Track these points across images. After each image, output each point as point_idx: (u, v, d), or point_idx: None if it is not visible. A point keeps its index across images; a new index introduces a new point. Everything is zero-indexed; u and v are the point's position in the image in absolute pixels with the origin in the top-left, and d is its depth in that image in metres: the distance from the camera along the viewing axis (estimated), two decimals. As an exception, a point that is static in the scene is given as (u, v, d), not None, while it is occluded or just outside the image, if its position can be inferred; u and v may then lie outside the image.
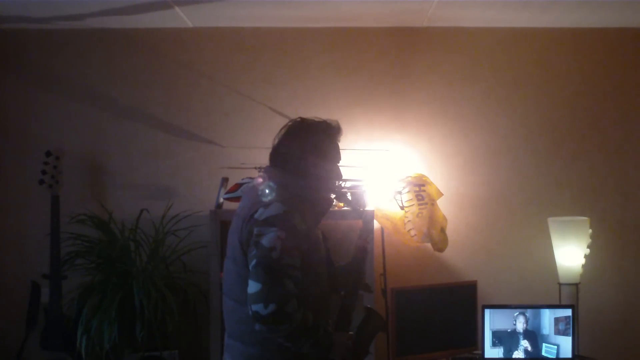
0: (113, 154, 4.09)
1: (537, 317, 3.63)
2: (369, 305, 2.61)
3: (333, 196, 2.60)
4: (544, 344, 3.62)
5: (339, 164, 2.55)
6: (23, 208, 4.06)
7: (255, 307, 2.19)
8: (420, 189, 3.67)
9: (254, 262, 2.23)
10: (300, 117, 2.52)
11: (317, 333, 2.30)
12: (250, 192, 2.46)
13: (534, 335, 3.62)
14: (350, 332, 2.49)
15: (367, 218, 2.69)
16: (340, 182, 2.69)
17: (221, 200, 3.64)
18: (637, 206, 4.13)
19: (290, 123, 2.51)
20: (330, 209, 2.58)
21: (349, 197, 2.76)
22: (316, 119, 2.50)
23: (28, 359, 3.73)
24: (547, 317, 3.63)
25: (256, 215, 2.30)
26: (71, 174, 3.93)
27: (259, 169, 3.61)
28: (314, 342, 2.29)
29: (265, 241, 2.24)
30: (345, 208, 3.65)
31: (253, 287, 2.20)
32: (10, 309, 3.99)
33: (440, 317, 3.66)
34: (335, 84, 4.08)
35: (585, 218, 3.82)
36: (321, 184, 2.48)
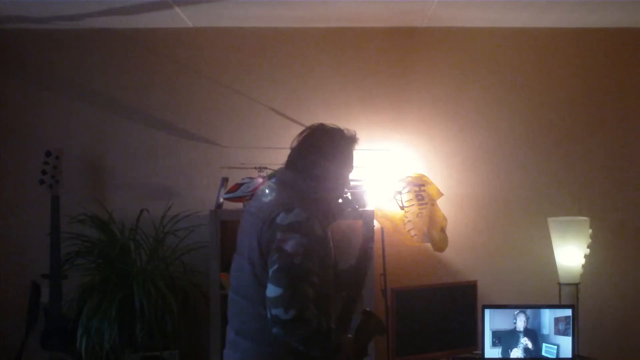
0: (113, 154, 4.10)
1: (537, 317, 3.63)
2: (367, 309, 2.62)
3: (340, 201, 2.63)
4: (544, 344, 3.62)
5: (350, 173, 2.59)
6: (23, 208, 4.06)
7: (275, 312, 2.20)
8: (420, 189, 3.67)
9: (275, 266, 2.25)
10: (321, 123, 2.55)
11: (329, 338, 2.32)
12: (265, 192, 2.50)
13: (534, 334, 3.62)
14: (349, 335, 2.52)
15: (367, 218, 2.70)
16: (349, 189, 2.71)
17: (221, 200, 3.64)
18: (637, 206, 4.13)
19: (310, 126, 2.56)
20: (343, 214, 2.61)
21: (350, 199, 2.77)
22: (336, 126, 2.54)
23: (28, 359, 3.73)
24: (547, 317, 3.63)
25: (278, 220, 2.33)
26: (71, 174, 3.93)
27: (260, 168, 3.62)
28: (326, 346, 2.32)
29: (288, 247, 2.26)
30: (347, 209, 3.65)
31: (274, 291, 2.22)
32: (10, 309, 3.99)
33: (440, 317, 3.66)
34: (335, 84, 4.08)
35: (585, 218, 3.82)
36: (333, 189, 2.52)
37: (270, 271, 2.26)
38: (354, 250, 2.71)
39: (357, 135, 2.56)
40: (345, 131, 2.54)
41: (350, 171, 2.58)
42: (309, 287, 2.24)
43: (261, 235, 2.35)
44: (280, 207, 2.37)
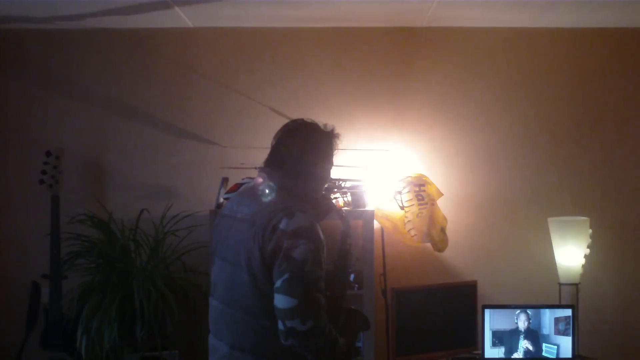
0: (113, 154, 4.10)
1: (537, 317, 3.63)
2: (351, 307, 2.58)
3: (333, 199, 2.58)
4: (544, 344, 3.62)
5: (331, 169, 2.52)
6: (23, 208, 4.06)
7: (291, 323, 2.14)
8: (420, 189, 3.67)
9: (286, 276, 2.17)
10: (300, 118, 2.49)
11: (338, 345, 2.29)
12: (255, 196, 2.39)
13: (534, 334, 3.62)
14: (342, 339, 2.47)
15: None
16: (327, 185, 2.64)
17: (221, 200, 3.64)
18: (637, 206, 4.13)
19: (289, 123, 2.49)
20: (330, 212, 2.53)
21: (344, 198, 2.71)
22: (315, 121, 2.47)
23: (28, 359, 3.73)
24: (547, 317, 3.63)
25: (282, 226, 2.23)
26: (71, 174, 3.93)
27: (260, 169, 3.61)
28: (332, 353, 2.28)
29: (297, 254, 2.18)
30: (346, 208, 3.65)
31: (287, 302, 2.15)
32: (10, 309, 3.99)
33: (440, 317, 3.66)
34: (335, 84, 4.09)
35: (585, 218, 3.82)
36: (319, 184, 2.46)
37: (280, 281, 2.17)
38: (334, 249, 2.60)
39: (336, 131, 2.48)
40: (325, 125, 2.47)
41: (331, 167, 2.50)
42: (320, 294, 2.18)
43: (264, 243, 2.23)
44: (279, 212, 2.26)
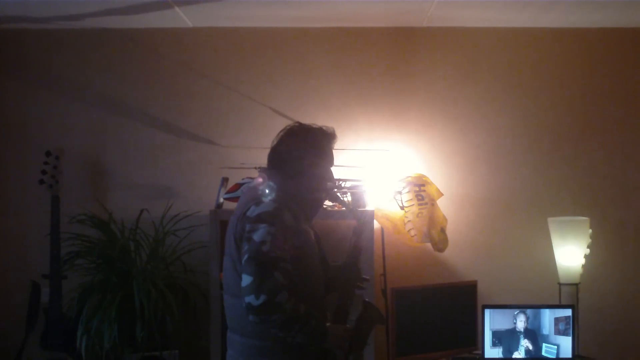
0: (113, 154, 4.10)
1: (537, 317, 3.63)
2: (367, 300, 2.65)
3: (324, 196, 2.67)
4: (544, 344, 3.62)
5: (331, 167, 2.63)
6: (23, 208, 4.06)
7: (248, 299, 2.28)
8: (420, 189, 3.67)
9: (246, 256, 2.34)
10: (298, 122, 2.62)
11: (309, 322, 2.37)
12: (247, 192, 2.58)
13: (534, 334, 3.62)
14: (347, 325, 2.55)
15: (363, 218, 2.73)
16: (333, 184, 2.75)
17: (221, 200, 3.64)
18: (637, 206, 4.13)
19: (288, 126, 2.61)
20: (321, 208, 2.67)
21: (345, 198, 2.77)
22: (313, 125, 2.60)
23: (28, 359, 3.73)
24: (547, 317, 3.63)
25: (248, 213, 2.42)
26: (71, 174, 3.93)
27: (259, 169, 3.62)
28: (307, 331, 2.37)
29: (256, 236, 2.34)
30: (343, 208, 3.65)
31: (245, 280, 2.30)
32: (10, 309, 3.99)
33: (440, 317, 3.66)
34: (335, 84, 4.08)
35: (585, 218, 3.82)
36: (312, 184, 2.56)
37: (242, 262, 2.35)
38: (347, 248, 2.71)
39: (334, 132, 2.60)
40: (321, 127, 2.60)
41: (330, 166, 2.62)
42: (278, 273, 2.30)
43: (235, 230, 2.44)
44: (251, 201, 2.45)
